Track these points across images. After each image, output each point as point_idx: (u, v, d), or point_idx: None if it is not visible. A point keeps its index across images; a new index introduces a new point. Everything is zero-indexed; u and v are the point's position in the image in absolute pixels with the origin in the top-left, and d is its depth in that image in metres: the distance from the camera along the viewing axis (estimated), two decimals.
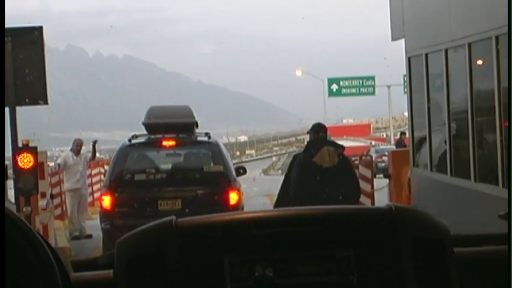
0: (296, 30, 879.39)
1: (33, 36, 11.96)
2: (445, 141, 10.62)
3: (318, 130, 9.89)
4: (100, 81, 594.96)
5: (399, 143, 30.20)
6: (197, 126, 13.24)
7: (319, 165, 9.49)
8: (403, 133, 30.76)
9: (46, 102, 11.93)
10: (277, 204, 9.93)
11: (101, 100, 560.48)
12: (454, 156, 10.48)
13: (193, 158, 13.52)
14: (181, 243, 1.86)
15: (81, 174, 16.80)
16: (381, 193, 17.18)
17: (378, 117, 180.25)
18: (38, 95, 11.98)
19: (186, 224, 1.92)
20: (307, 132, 10.22)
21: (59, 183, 17.35)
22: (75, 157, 16.56)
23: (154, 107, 13.65)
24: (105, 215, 12.08)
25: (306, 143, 10.40)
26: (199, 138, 13.12)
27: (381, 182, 20.14)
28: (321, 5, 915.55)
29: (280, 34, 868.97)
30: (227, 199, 12.09)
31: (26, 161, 9.60)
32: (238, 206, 12.04)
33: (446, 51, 10.50)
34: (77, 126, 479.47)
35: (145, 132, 13.11)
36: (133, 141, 12.86)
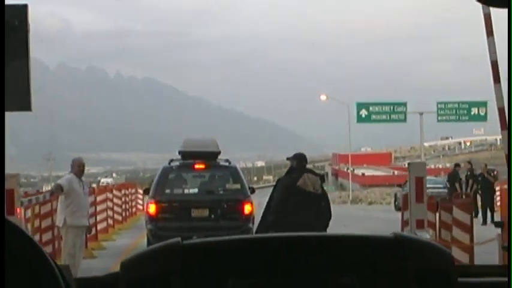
0: (317, 57, 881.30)
1: (13, 20, 8.78)
2: None
3: (302, 159, 11.31)
4: (119, 102, 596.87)
5: (453, 176, 26.56)
6: (219, 153, 16.47)
7: (303, 189, 10.74)
8: (457, 165, 27.24)
9: (29, 108, 8.75)
10: (260, 226, 10.95)
11: (119, 121, 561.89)
12: None
13: (217, 178, 16.56)
14: (187, 265, 1.84)
15: (87, 206, 13.52)
16: (486, 248, 12.91)
17: (396, 146, 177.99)
18: (17, 99, 8.78)
19: (192, 246, 1.90)
20: (288, 159, 11.63)
21: (51, 213, 13.98)
22: (80, 182, 13.01)
23: (188, 138, 17.15)
24: (150, 219, 15.33)
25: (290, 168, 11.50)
26: (221, 163, 16.45)
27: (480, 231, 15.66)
28: (344, 33, 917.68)
29: (302, 61, 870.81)
30: (243, 209, 15.39)
31: None
32: (251, 215, 15.35)
33: None
34: (94, 146, 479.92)
35: (173, 157, 16.80)
36: (172, 164, 16.31)
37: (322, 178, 11.34)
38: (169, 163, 16.41)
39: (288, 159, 11.72)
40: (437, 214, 14.95)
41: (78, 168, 13.01)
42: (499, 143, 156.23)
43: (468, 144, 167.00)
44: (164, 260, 1.86)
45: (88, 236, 14.28)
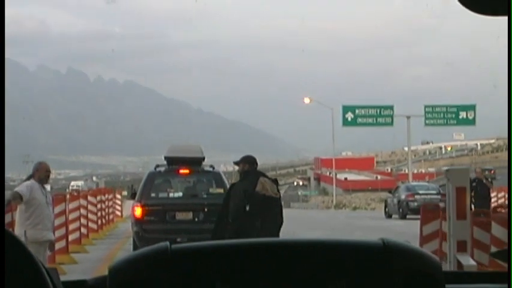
0: (298, 61, 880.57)
1: None
2: None
3: (253, 162, 11.05)
4: (100, 105, 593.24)
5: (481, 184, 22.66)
6: (203, 159, 17.06)
7: (262, 193, 10.47)
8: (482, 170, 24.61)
9: None
10: (216, 232, 10.60)
11: (99, 124, 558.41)
12: None
13: (201, 182, 17.08)
14: (175, 269, 1.83)
15: (52, 217, 11.57)
16: None
17: (377, 151, 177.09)
18: None
19: (180, 250, 1.91)
20: (236, 163, 11.29)
21: (12, 225, 12.15)
22: (43, 190, 11.10)
23: (173, 144, 18.10)
24: (136, 221, 15.95)
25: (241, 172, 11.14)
26: (205, 169, 17.04)
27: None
28: (323, 37, 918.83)
29: (284, 65, 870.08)
30: None
31: None
32: None
33: None
34: (74, 149, 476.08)
35: (153, 160, 18.83)
36: (158, 169, 16.94)
37: (276, 181, 11.12)
38: (155, 168, 17.09)
39: (235, 163, 11.37)
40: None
41: (45, 174, 11.18)
42: (479, 147, 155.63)
43: (449, 149, 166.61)
44: (152, 264, 1.85)
45: (55, 250, 12.48)
